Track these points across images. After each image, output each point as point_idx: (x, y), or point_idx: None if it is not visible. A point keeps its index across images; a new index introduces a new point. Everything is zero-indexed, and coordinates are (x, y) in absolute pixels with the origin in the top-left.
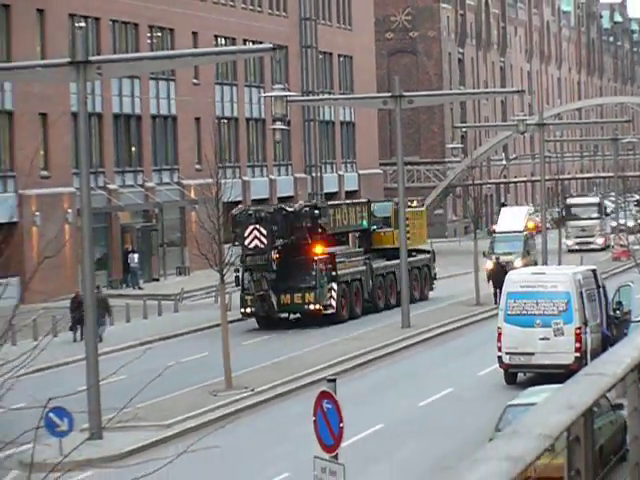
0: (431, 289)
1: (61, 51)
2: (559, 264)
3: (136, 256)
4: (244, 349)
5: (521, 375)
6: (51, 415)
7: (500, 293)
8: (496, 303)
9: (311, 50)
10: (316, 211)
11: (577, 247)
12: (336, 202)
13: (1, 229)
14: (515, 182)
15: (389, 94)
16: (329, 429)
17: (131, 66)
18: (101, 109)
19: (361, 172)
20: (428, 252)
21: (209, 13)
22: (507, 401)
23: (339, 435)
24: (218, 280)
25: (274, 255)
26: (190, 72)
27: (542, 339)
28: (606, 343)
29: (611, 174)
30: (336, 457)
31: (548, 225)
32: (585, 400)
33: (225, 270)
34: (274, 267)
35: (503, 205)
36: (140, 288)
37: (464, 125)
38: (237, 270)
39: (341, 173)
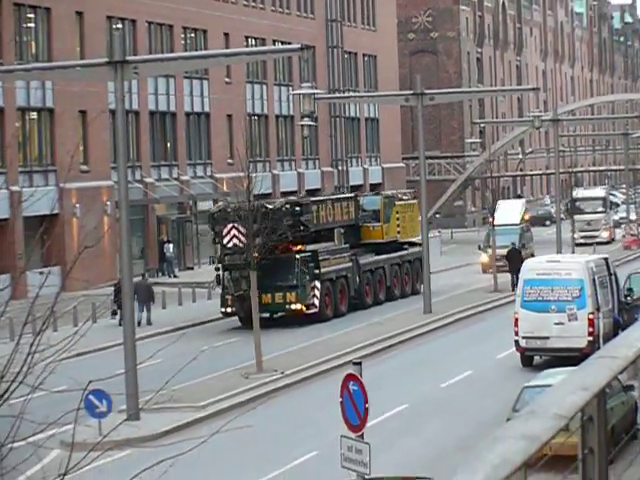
0: (423, 283)
1: (99, 51)
2: (572, 253)
3: (171, 246)
4: (272, 335)
5: (537, 358)
6: (91, 397)
7: (517, 279)
8: (513, 289)
9: (337, 50)
10: (297, 208)
11: (582, 240)
12: (320, 198)
13: (43, 221)
14: (531, 175)
15: (411, 92)
16: (355, 410)
17: (166, 65)
18: (138, 107)
19: (385, 166)
20: (420, 245)
21: (240, 15)
22: (524, 383)
23: (364, 415)
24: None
25: (253, 254)
26: (222, 71)
27: (557, 324)
28: (617, 327)
29: (622, 167)
30: (362, 436)
31: (562, 216)
32: (598, 382)
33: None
34: (253, 266)
35: (519, 197)
36: (175, 276)
37: (482, 121)
38: (217, 269)
39: (366, 167)
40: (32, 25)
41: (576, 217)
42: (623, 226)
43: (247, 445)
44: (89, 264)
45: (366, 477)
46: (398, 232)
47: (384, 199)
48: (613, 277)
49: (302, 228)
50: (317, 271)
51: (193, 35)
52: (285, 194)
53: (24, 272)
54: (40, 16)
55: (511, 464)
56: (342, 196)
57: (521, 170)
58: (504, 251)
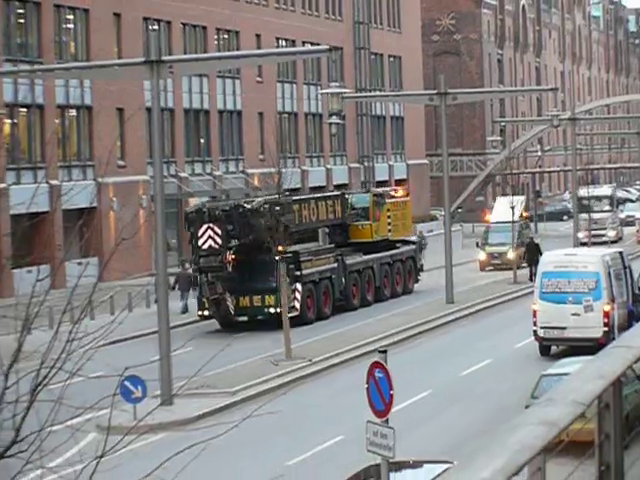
0: (416, 281)
1: (136, 51)
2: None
3: None
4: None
5: (554, 347)
6: (126, 383)
7: (534, 271)
8: (531, 280)
9: (364, 51)
10: (277, 208)
11: (586, 240)
12: (302, 197)
13: (81, 214)
14: (549, 171)
15: (435, 91)
16: (380, 396)
17: (200, 65)
18: (173, 104)
19: (409, 162)
20: (413, 243)
21: (271, 17)
22: (541, 371)
23: (389, 401)
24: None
25: (229, 256)
26: (254, 71)
27: (573, 315)
28: (632, 318)
29: (636, 164)
30: (387, 421)
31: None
32: (614, 370)
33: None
34: (229, 269)
35: (537, 193)
36: None
37: (503, 120)
38: (195, 270)
39: (391, 163)
40: (71, 26)
41: (582, 216)
42: (638, 221)
43: (277, 429)
44: (125, 255)
45: (391, 461)
46: (389, 230)
47: (373, 197)
48: (628, 270)
49: (282, 228)
50: (298, 273)
51: (226, 36)
52: (314, 189)
53: (63, 263)
54: (79, 17)
55: (531, 449)
56: (327, 195)
57: (540, 167)
58: (503, 249)
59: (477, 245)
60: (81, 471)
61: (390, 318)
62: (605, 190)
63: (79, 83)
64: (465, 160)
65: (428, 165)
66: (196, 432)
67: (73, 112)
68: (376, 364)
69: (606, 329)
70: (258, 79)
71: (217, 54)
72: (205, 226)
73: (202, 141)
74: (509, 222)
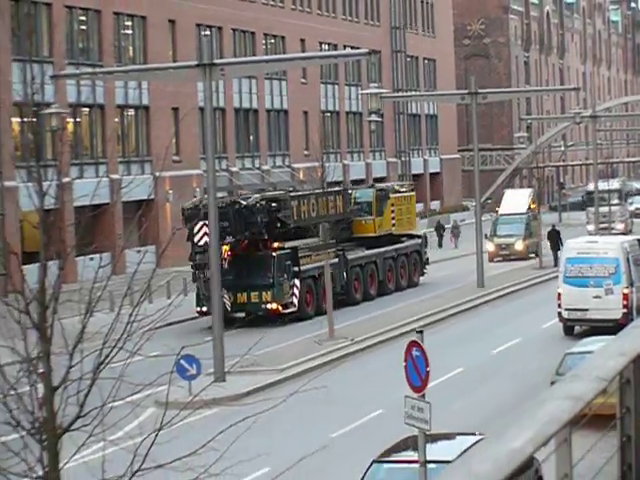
0: (422, 274)
1: (189, 55)
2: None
3: None
4: (340, 306)
5: (577, 327)
6: (182, 362)
7: (557, 256)
8: (556, 265)
9: (400, 54)
10: (274, 204)
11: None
12: (300, 193)
13: (140, 205)
14: (572, 165)
15: (466, 91)
16: (417, 373)
17: (249, 68)
18: (224, 104)
19: (442, 157)
20: (419, 237)
21: (315, 23)
22: (566, 350)
23: (426, 378)
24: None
25: (224, 253)
26: (299, 72)
27: (595, 297)
28: None
29: None
30: (423, 396)
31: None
32: (634, 348)
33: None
34: (225, 265)
35: (561, 185)
36: None
37: (529, 117)
38: (192, 267)
39: (426, 158)
40: (129, 31)
41: (591, 209)
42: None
43: (321, 404)
44: (180, 243)
45: (427, 433)
46: (393, 225)
47: (377, 192)
48: None
49: (279, 225)
50: (296, 269)
51: (273, 41)
52: (355, 182)
53: (123, 250)
54: (137, 23)
55: (558, 422)
56: (328, 190)
57: (563, 161)
58: (511, 240)
59: (486, 237)
60: (140, 443)
61: (426, 301)
62: (614, 184)
63: (137, 85)
64: (494, 155)
65: (460, 159)
66: (246, 407)
67: (131, 111)
68: (413, 343)
69: (625, 311)
70: (303, 80)
71: (265, 57)
72: (201, 223)
73: (251, 138)
74: (517, 214)
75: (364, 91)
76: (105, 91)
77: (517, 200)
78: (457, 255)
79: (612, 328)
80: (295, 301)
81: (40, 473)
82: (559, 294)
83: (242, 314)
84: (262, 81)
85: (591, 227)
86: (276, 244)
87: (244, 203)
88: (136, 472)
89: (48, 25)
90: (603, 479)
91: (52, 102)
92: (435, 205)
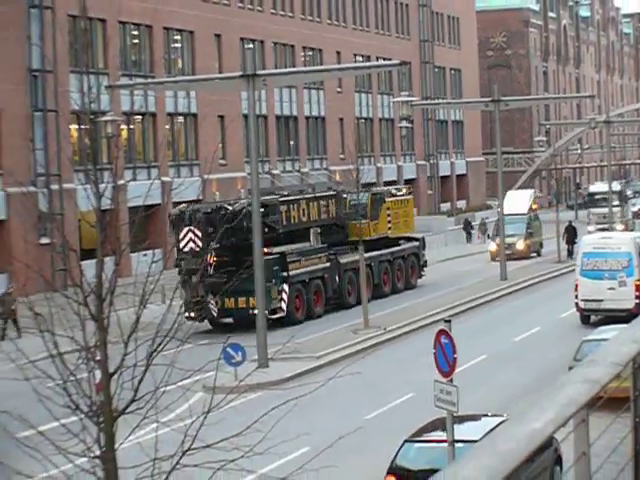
0: (419, 277)
1: (234, 67)
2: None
3: None
4: (373, 299)
5: (593, 317)
6: (228, 349)
7: (573, 249)
8: (569, 257)
9: (429, 65)
10: (261, 209)
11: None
12: (290, 198)
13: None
14: (587, 167)
15: (490, 99)
16: (446, 359)
17: (289, 78)
18: (266, 112)
19: (468, 159)
20: (417, 240)
21: (349, 37)
22: (582, 337)
23: (453, 364)
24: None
25: (210, 259)
26: (335, 82)
27: (609, 289)
28: None
29: None
30: (451, 381)
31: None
32: None
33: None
34: (210, 271)
35: (578, 185)
36: None
37: (548, 122)
38: (179, 272)
39: (452, 160)
40: (178, 45)
41: (592, 210)
42: None
43: (356, 388)
44: None
45: (454, 414)
46: (389, 228)
47: (371, 196)
48: None
49: (267, 230)
50: (285, 274)
51: (311, 53)
52: (387, 183)
53: (173, 247)
54: (185, 37)
55: (576, 404)
56: (321, 195)
57: (579, 163)
58: (513, 240)
59: (488, 237)
60: (190, 425)
61: (453, 293)
62: (614, 186)
63: (186, 94)
64: (516, 157)
65: (484, 162)
66: (288, 391)
67: (181, 119)
68: (442, 332)
69: (637, 301)
70: (339, 89)
71: (303, 69)
72: (186, 228)
73: (291, 143)
74: (519, 214)
75: (396, 99)
76: (156, 100)
77: (518, 201)
78: (484, 250)
79: (625, 317)
80: (284, 306)
81: (97, 453)
82: (576, 286)
83: (230, 319)
84: (301, 90)
85: (591, 227)
86: (264, 249)
87: (230, 209)
88: (186, 452)
89: (103, 39)
90: (618, 458)
91: (107, 110)
92: (461, 204)
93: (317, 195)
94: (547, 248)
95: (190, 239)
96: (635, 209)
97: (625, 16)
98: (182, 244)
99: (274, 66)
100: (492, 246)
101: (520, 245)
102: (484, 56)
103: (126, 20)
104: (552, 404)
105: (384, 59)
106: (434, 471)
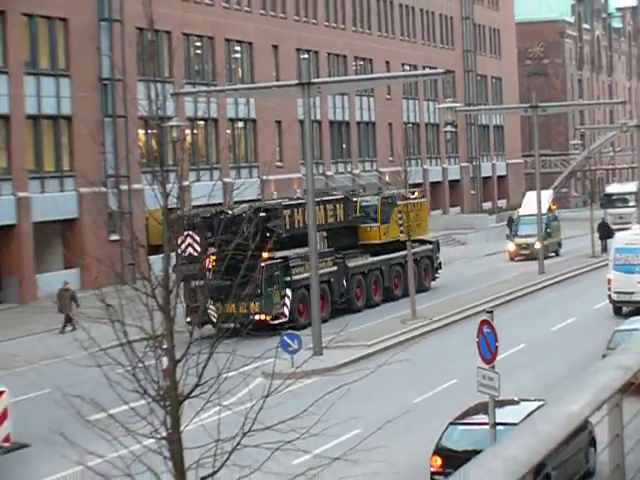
0: (433, 279)
1: (290, 75)
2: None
3: None
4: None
5: (625, 308)
6: (286, 338)
7: (605, 244)
8: (603, 252)
9: (471, 73)
10: (263, 214)
11: None
12: (296, 202)
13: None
14: (620, 168)
15: (528, 105)
16: (488, 347)
17: (342, 86)
18: (320, 117)
19: (508, 161)
20: (431, 243)
21: (398, 47)
22: (615, 327)
23: (495, 352)
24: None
25: (208, 264)
26: (384, 90)
27: None
28: None
29: None
30: (493, 367)
31: None
32: None
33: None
34: (209, 276)
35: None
36: None
37: (583, 127)
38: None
39: (494, 162)
40: (238, 55)
41: (609, 211)
42: None
43: (405, 374)
44: None
45: (496, 399)
46: (401, 232)
47: (382, 199)
48: None
49: (269, 234)
50: (288, 278)
51: (362, 63)
52: (433, 184)
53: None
54: (245, 48)
55: (610, 388)
56: (328, 199)
57: (612, 164)
58: (530, 240)
59: (507, 237)
60: (250, 408)
61: (495, 286)
62: (630, 187)
63: (245, 101)
64: (552, 159)
65: (523, 163)
66: (341, 377)
67: (241, 124)
68: (484, 322)
69: None
70: (387, 96)
71: (355, 77)
72: (185, 233)
73: (344, 146)
74: (536, 215)
75: (441, 105)
76: (218, 107)
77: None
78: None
79: None
80: (286, 311)
81: (164, 434)
82: (609, 279)
83: (230, 325)
84: (353, 97)
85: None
86: (265, 254)
87: (230, 213)
88: (246, 433)
89: (168, 50)
90: None
91: (173, 116)
92: (502, 203)
93: (324, 199)
94: (580, 244)
95: (188, 244)
96: None
97: None
98: (180, 249)
99: (327, 75)
100: (510, 246)
101: (538, 245)
102: (523, 65)
103: (190, 32)
104: (588, 389)
105: (430, 68)
106: (476, 452)
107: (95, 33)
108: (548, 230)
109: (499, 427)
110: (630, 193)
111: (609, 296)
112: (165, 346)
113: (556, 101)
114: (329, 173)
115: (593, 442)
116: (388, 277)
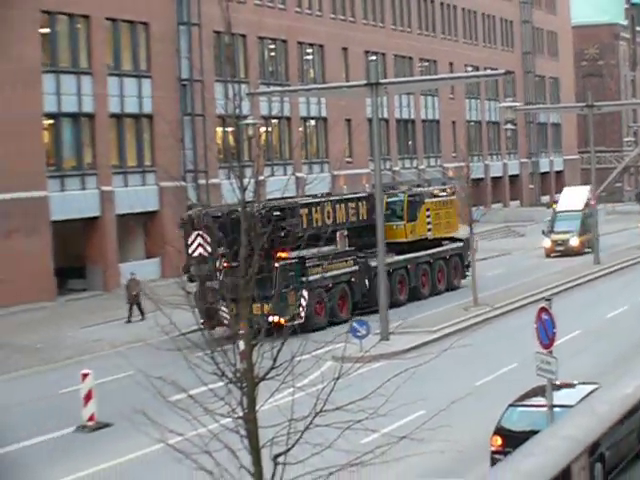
0: (463, 277)
1: (359, 76)
2: None
3: None
4: (484, 279)
5: None
6: (355, 324)
7: None
8: None
9: (530, 74)
10: (277, 213)
11: None
12: (314, 200)
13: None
14: None
15: (584, 104)
16: (546, 333)
17: (408, 86)
18: (387, 115)
19: (565, 157)
20: (461, 241)
21: (461, 49)
22: None
23: (553, 337)
24: (468, 231)
25: (219, 264)
26: (448, 90)
27: None
28: None
29: None
30: (551, 352)
31: None
32: None
33: (472, 225)
34: (220, 277)
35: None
36: None
37: (635, 125)
38: (187, 279)
39: (551, 158)
40: (310, 57)
41: None
42: None
43: (467, 358)
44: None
45: (553, 382)
46: (429, 230)
47: (408, 197)
48: None
49: (284, 234)
50: (304, 279)
51: (427, 64)
52: (494, 179)
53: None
54: (316, 51)
55: None
56: (349, 197)
57: None
58: (566, 236)
59: (543, 233)
60: (322, 390)
61: (551, 275)
62: None
63: (317, 100)
64: (607, 155)
65: (579, 159)
66: (407, 360)
67: (312, 122)
68: (543, 309)
69: None
70: (451, 96)
71: (420, 78)
72: (195, 233)
73: (410, 143)
74: (573, 211)
75: (501, 104)
76: (291, 106)
77: (574, 197)
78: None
79: None
80: (302, 313)
81: (240, 414)
82: None
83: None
84: (418, 97)
85: None
86: (281, 254)
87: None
88: (318, 413)
89: (244, 52)
90: None
91: (249, 115)
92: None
93: (345, 197)
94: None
95: (199, 244)
96: None
97: None
98: (191, 249)
99: (394, 75)
100: (546, 242)
101: (574, 242)
102: (579, 66)
103: (264, 35)
104: None
105: (491, 69)
106: (534, 432)
107: (175, 36)
108: (584, 226)
109: (556, 409)
110: None
111: None
112: (242, 331)
113: (610, 100)
114: (396, 168)
115: None
116: (414, 276)
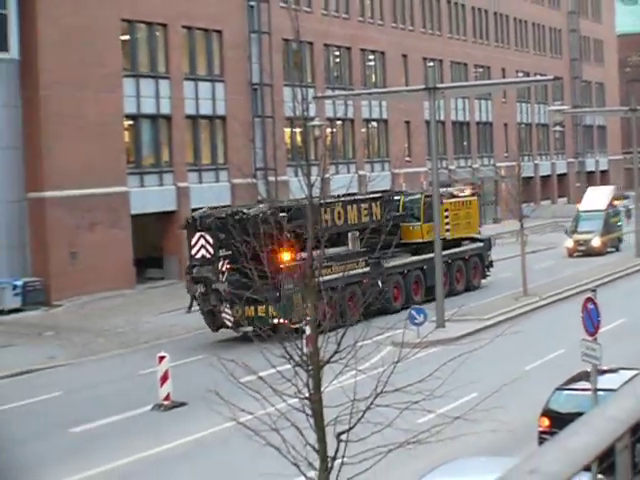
0: (484, 277)
1: (418, 81)
2: None
3: None
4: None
5: None
6: (412, 312)
7: None
8: None
9: (577, 80)
10: (282, 214)
11: None
12: (325, 201)
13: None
14: None
15: (628, 108)
16: (591, 321)
17: (463, 91)
18: (444, 118)
19: (609, 158)
20: (481, 241)
21: (512, 56)
22: None
23: (598, 326)
24: (519, 226)
25: (222, 266)
26: (500, 94)
27: None
28: None
29: None
30: (596, 339)
31: None
32: None
33: (523, 220)
34: (222, 279)
35: None
36: None
37: None
38: (190, 280)
39: (597, 158)
40: (372, 63)
41: None
42: None
43: (517, 344)
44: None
45: (598, 367)
46: (447, 230)
47: (425, 197)
48: None
49: (290, 235)
50: None
51: (481, 70)
52: (543, 178)
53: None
54: (377, 57)
55: None
56: (361, 197)
57: None
58: (588, 236)
59: (565, 232)
60: (382, 372)
61: (595, 268)
62: None
63: (378, 103)
64: None
65: (623, 160)
66: (461, 346)
67: (374, 124)
68: (588, 299)
69: None
70: (503, 100)
71: (474, 83)
72: (197, 235)
73: (464, 143)
74: (596, 211)
75: (550, 108)
76: (354, 108)
77: (597, 197)
78: (628, 231)
79: None
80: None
81: (306, 395)
82: None
83: (249, 328)
84: (472, 100)
85: None
86: (284, 256)
87: (246, 213)
88: (379, 394)
89: (311, 58)
90: None
91: (315, 117)
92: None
93: (357, 198)
94: None
95: (202, 245)
96: None
97: None
98: (193, 251)
99: (450, 80)
100: (568, 242)
101: (596, 242)
102: (623, 72)
103: (330, 43)
104: None
105: (540, 75)
106: (579, 414)
107: (246, 43)
108: (606, 227)
109: (600, 392)
110: None
111: None
112: (308, 318)
113: None
114: (451, 167)
115: None
116: (431, 276)
